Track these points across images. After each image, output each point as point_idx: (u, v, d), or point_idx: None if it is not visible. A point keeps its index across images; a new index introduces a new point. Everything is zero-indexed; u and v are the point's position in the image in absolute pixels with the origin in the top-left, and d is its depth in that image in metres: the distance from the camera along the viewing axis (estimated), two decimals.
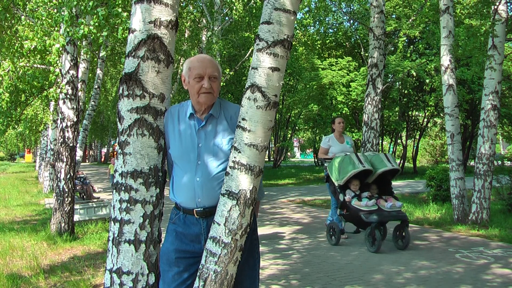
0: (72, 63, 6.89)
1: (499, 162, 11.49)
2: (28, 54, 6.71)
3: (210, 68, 2.21)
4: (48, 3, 6.44)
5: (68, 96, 6.89)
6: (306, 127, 22.87)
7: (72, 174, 6.98)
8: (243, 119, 2.10)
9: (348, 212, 5.93)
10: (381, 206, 5.83)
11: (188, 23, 12.88)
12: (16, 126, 13.72)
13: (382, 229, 5.99)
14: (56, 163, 7.01)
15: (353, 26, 20.41)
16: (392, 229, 6.12)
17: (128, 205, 2.25)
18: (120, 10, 5.22)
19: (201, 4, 13.70)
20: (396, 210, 5.82)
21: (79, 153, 9.37)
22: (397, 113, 20.02)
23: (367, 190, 6.06)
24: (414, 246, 6.07)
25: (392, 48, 15.96)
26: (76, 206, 7.88)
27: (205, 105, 2.22)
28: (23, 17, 7.22)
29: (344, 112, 18.23)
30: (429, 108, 20.19)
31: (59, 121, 7.14)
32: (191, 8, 12.75)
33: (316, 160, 32.31)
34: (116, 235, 2.26)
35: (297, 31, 16.58)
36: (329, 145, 6.82)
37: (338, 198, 6.05)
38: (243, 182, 2.07)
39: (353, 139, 19.67)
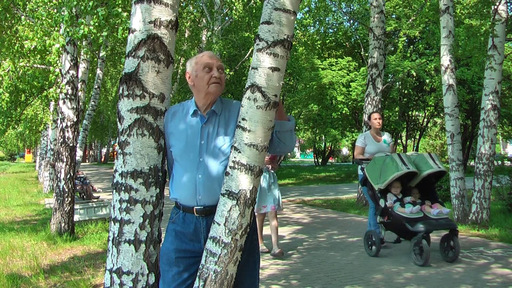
0: (72, 63, 6.89)
1: (499, 162, 11.48)
2: (28, 54, 6.70)
3: (217, 60, 2.25)
4: (48, 3, 6.44)
5: (68, 96, 6.89)
6: (306, 127, 22.90)
7: (72, 174, 6.98)
8: (243, 119, 2.10)
9: (389, 220, 5.29)
10: (426, 213, 5.19)
11: (188, 23, 12.88)
12: (16, 126, 13.73)
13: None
14: (56, 163, 7.01)
15: (353, 26, 20.41)
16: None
17: (128, 205, 2.25)
18: (120, 10, 5.22)
19: (201, 4, 13.70)
20: (444, 218, 5.21)
21: (79, 153, 9.36)
22: (397, 113, 20.03)
23: (408, 194, 5.45)
24: None
25: (392, 48, 15.96)
26: (76, 206, 7.88)
27: (214, 96, 2.23)
28: (23, 17, 7.21)
29: (344, 112, 18.22)
30: (429, 108, 20.22)
31: (59, 121, 7.14)
32: (191, 8, 12.76)
33: (321, 160, 32.27)
34: (116, 235, 2.26)
35: (297, 31, 16.56)
36: (365, 144, 6.12)
37: (378, 203, 5.42)
38: (243, 182, 2.07)
39: (353, 139, 19.73)
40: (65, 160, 6.91)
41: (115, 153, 2.89)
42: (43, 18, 6.41)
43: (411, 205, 5.25)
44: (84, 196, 10.80)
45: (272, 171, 5.80)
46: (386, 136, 6.29)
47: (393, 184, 5.38)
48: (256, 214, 5.14)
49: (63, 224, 6.82)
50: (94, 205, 8.80)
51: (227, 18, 15.19)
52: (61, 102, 7.00)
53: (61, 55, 6.89)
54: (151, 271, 2.27)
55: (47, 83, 7.97)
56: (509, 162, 12.55)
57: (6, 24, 6.79)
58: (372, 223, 5.92)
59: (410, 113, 20.86)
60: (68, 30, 5.52)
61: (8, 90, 7.85)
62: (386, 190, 5.42)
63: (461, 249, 5.88)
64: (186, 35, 13.95)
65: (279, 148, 2.26)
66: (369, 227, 6.00)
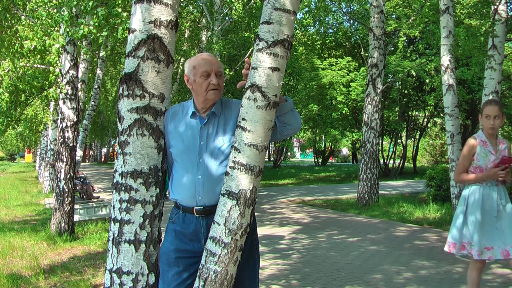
0: (72, 63, 6.90)
1: None
2: (28, 54, 6.71)
3: (215, 64, 2.23)
4: (48, 3, 6.45)
5: (68, 96, 6.89)
6: (306, 127, 22.89)
7: (72, 174, 6.98)
8: (243, 119, 2.10)
9: None
10: None
11: (188, 23, 12.89)
12: (16, 126, 13.75)
13: None
14: (56, 163, 7.01)
15: (353, 26, 20.39)
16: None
17: (128, 205, 2.25)
18: (120, 10, 5.22)
19: (201, 4, 13.70)
20: None
21: (79, 153, 9.37)
22: (397, 113, 20.01)
23: None
24: (414, 246, 6.07)
25: (392, 48, 15.95)
26: (76, 206, 7.88)
27: (212, 101, 2.24)
28: (23, 17, 7.22)
29: (344, 112, 18.21)
30: (429, 108, 20.19)
31: (59, 121, 7.14)
32: (191, 8, 12.77)
33: (321, 160, 32.20)
34: (116, 235, 2.27)
35: (297, 31, 16.55)
36: None
37: None
38: (243, 182, 2.07)
39: (353, 139, 19.69)
40: (65, 160, 6.91)
41: (115, 153, 2.89)
42: (43, 18, 6.41)
43: None
44: (84, 196, 10.79)
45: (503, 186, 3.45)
46: None
47: None
48: (472, 259, 3.40)
49: (63, 224, 6.82)
50: (94, 205, 8.80)
51: (227, 18, 15.18)
52: (61, 102, 7.00)
53: (61, 55, 6.89)
54: (151, 271, 2.27)
55: (47, 83, 7.97)
56: None
57: (6, 24, 6.80)
58: None
59: (410, 113, 20.84)
60: (68, 30, 5.53)
61: (8, 90, 7.86)
62: None
63: None
64: (186, 35, 13.95)
65: (286, 131, 2.26)
66: None
